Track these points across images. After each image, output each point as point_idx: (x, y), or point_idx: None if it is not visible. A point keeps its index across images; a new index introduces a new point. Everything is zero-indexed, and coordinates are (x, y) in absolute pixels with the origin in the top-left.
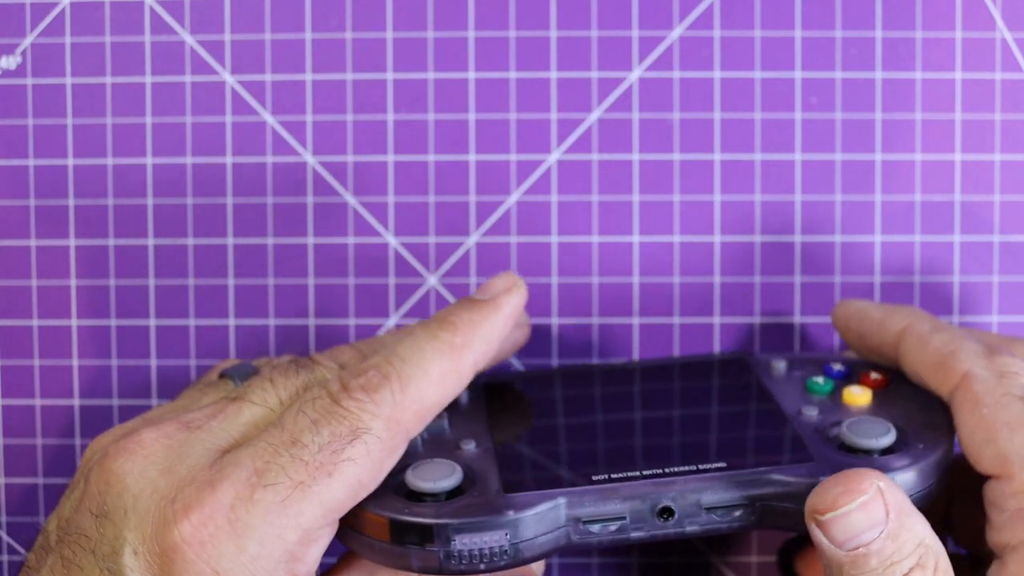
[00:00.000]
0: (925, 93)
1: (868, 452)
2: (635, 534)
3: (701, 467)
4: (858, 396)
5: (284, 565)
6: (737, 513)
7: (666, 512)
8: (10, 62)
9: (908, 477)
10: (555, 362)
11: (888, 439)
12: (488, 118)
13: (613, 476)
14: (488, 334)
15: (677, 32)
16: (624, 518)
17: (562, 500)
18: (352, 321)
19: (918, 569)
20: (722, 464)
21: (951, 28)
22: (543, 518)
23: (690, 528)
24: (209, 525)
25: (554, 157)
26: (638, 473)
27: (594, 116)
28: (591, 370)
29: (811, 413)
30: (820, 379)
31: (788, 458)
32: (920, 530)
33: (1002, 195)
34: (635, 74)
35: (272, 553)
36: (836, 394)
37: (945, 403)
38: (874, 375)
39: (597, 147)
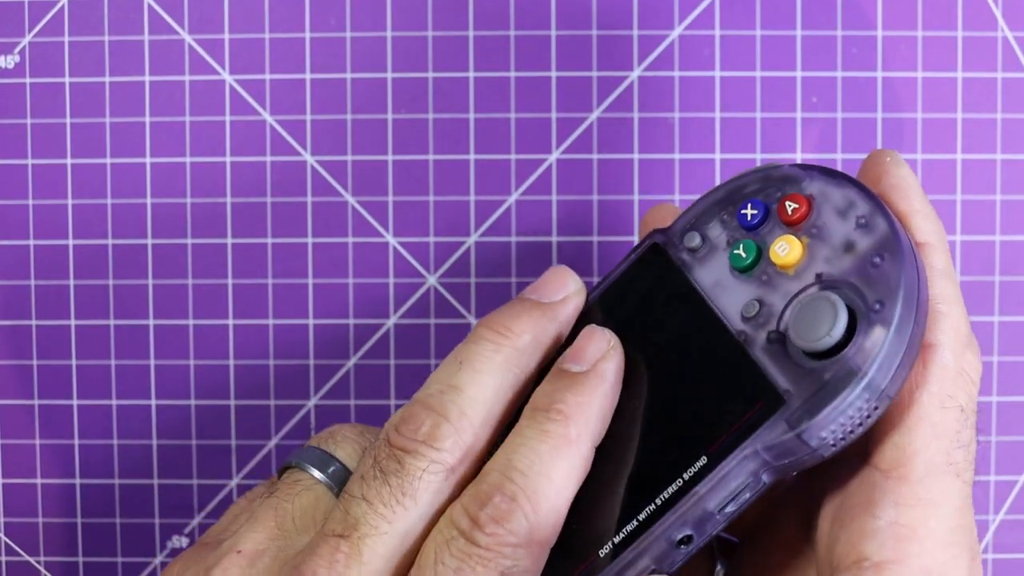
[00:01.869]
0: (926, 92)
1: (829, 352)
2: (670, 571)
3: (686, 476)
4: (787, 256)
5: None
6: (747, 494)
7: (685, 540)
8: (8, 61)
9: (889, 354)
10: None
11: (840, 325)
12: (488, 118)
13: (616, 542)
14: (601, 412)
15: (677, 32)
16: (652, 570)
17: None
18: (352, 321)
19: None
20: (704, 460)
21: (952, 27)
22: None
23: (715, 530)
24: None
25: (554, 157)
26: (636, 522)
27: (594, 116)
28: None
29: (752, 313)
30: (740, 250)
31: (761, 409)
32: None
33: (1003, 195)
34: (635, 74)
35: None
36: (764, 261)
37: (881, 202)
38: (790, 205)
39: (597, 147)
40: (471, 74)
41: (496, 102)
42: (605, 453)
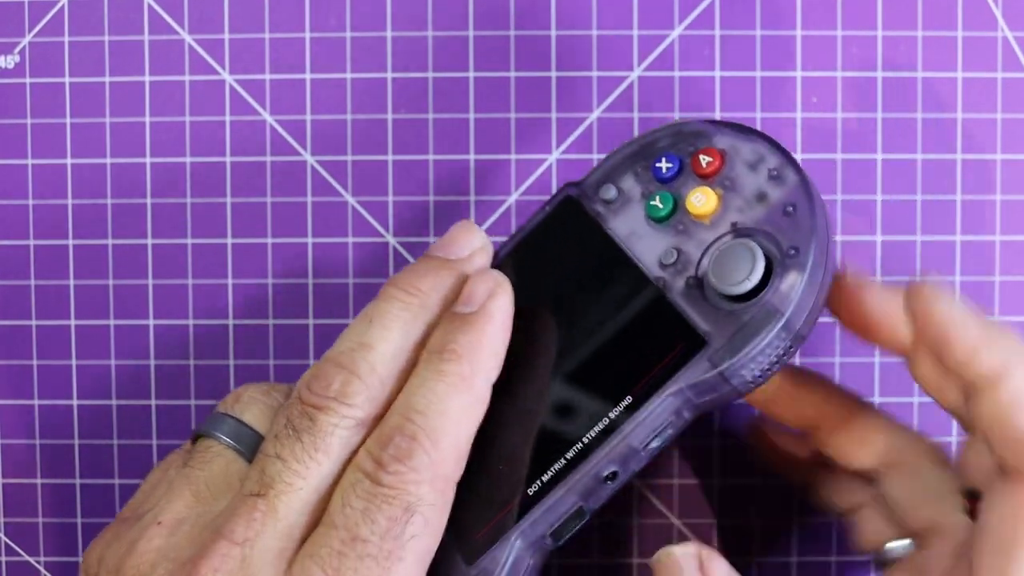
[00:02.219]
0: (926, 92)
1: (748, 295)
2: (595, 506)
3: (612, 415)
4: (703, 207)
5: None
6: (670, 431)
7: (611, 476)
8: (8, 61)
9: (804, 296)
10: None
11: (758, 269)
12: (488, 118)
13: (545, 480)
14: (492, 349)
15: (677, 32)
16: (579, 506)
17: (516, 538)
18: (351, 321)
19: None
20: (629, 400)
21: (952, 27)
22: (515, 566)
23: (639, 466)
24: None
25: (554, 157)
26: (564, 460)
27: (594, 116)
28: None
29: (671, 260)
30: (657, 200)
31: (683, 350)
32: None
33: (1003, 195)
34: (635, 74)
35: None
36: (680, 211)
37: (791, 154)
38: (704, 158)
39: (597, 147)
40: (471, 74)
41: (496, 102)
42: (529, 397)
